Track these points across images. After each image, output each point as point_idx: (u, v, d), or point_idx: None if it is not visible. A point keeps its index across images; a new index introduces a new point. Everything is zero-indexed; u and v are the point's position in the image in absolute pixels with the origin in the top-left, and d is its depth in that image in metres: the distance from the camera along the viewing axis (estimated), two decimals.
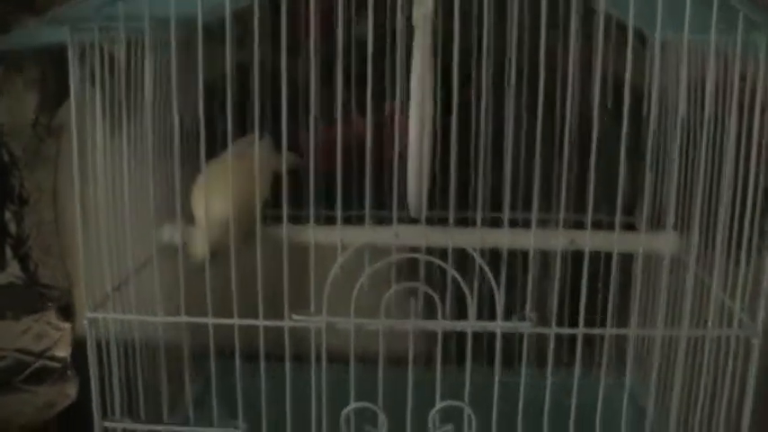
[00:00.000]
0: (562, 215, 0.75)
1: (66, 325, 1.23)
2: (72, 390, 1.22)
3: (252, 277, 0.76)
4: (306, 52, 0.78)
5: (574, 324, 0.75)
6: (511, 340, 0.77)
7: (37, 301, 1.22)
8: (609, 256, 0.77)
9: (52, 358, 1.23)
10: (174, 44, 0.74)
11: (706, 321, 0.77)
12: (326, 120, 0.85)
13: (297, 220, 0.81)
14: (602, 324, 0.78)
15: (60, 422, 1.23)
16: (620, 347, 0.86)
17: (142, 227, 0.82)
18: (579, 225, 0.80)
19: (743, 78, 0.75)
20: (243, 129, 0.82)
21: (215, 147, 0.81)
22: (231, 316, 0.76)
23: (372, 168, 0.95)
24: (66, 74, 0.76)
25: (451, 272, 0.71)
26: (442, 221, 0.79)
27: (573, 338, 0.76)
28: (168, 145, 0.91)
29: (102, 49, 0.79)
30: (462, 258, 0.75)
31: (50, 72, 1.17)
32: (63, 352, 1.23)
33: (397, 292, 0.74)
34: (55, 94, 1.18)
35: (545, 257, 0.89)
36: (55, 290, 1.23)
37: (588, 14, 0.84)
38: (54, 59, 1.13)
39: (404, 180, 0.80)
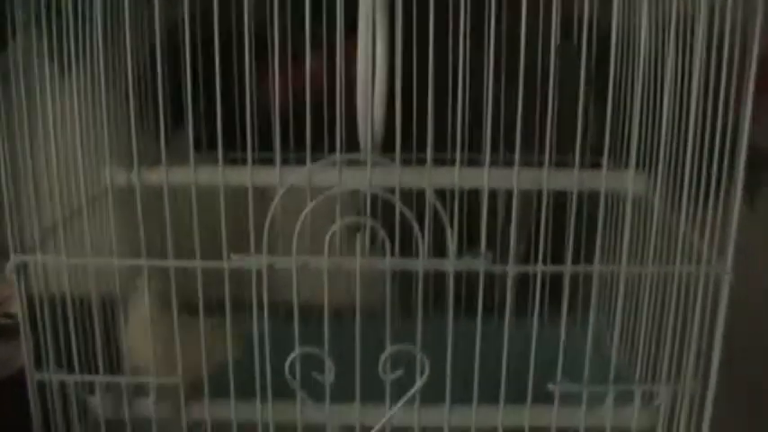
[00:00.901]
0: (518, 153, 0.70)
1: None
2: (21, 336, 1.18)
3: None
4: None
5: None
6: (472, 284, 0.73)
7: None
8: (578, 196, 0.73)
9: (5, 315, 1.18)
10: None
11: (674, 259, 0.73)
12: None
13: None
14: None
15: (19, 381, 1.19)
16: (585, 292, 0.82)
17: (83, 169, 0.78)
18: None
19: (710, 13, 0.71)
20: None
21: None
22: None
23: (325, 106, 0.92)
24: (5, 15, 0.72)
25: (399, 206, 0.66)
26: (406, 163, 0.75)
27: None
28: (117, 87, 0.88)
29: None
30: (420, 201, 0.71)
31: None
32: (15, 308, 1.18)
33: (347, 234, 0.69)
34: None
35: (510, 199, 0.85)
36: (6, 244, 1.18)
37: None
38: None
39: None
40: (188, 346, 0.74)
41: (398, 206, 0.66)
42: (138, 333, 0.79)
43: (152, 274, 0.74)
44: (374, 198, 0.73)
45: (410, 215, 0.66)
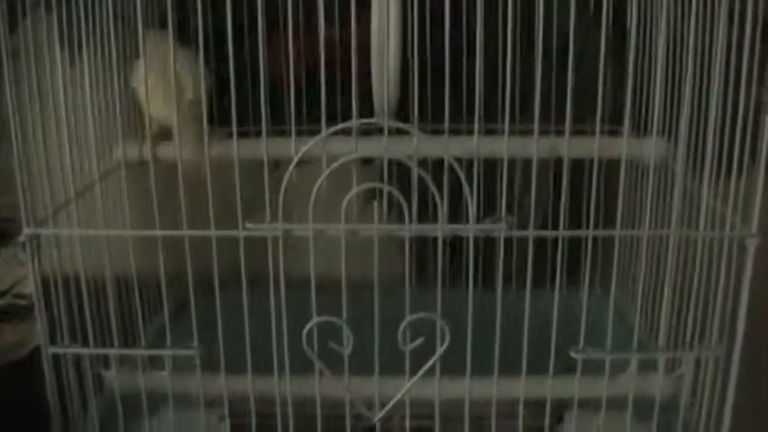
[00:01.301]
0: (537, 121, 0.69)
1: None
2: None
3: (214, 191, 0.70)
4: None
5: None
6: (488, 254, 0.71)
7: None
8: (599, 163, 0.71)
9: (18, 295, 1.18)
10: None
11: (696, 225, 0.72)
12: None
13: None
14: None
15: (34, 360, 1.19)
16: (605, 260, 0.80)
17: (95, 144, 0.77)
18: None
19: None
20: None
21: None
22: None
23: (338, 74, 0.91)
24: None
25: (418, 171, 0.65)
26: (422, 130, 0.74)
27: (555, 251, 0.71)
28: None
29: None
30: (436, 171, 0.69)
31: None
32: (29, 288, 1.17)
33: (364, 204, 0.68)
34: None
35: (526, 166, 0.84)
36: (18, 224, 1.17)
37: None
38: None
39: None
40: None
41: (416, 170, 0.65)
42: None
43: None
44: (390, 167, 0.72)
45: (428, 179, 0.65)
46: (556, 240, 0.71)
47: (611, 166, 0.78)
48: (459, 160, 0.71)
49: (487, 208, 0.73)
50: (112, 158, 0.87)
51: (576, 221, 0.76)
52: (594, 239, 0.74)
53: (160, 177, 0.74)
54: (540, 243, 0.75)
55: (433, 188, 0.65)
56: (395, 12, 0.75)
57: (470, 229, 0.67)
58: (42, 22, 0.74)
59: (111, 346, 0.77)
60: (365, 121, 0.67)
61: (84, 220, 0.77)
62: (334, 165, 0.65)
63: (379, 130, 0.69)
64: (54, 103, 0.73)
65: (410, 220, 0.67)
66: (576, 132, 0.92)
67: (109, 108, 0.84)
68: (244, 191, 0.70)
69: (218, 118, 0.87)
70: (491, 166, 0.75)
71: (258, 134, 0.72)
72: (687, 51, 0.71)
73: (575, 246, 0.81)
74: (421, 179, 0.65)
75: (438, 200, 0.65)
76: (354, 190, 0.65)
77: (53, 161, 0.75)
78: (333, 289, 0.69)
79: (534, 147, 0.69)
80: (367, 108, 0.77)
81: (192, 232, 0.70)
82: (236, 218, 0.69)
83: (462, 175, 0.66)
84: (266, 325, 0.72)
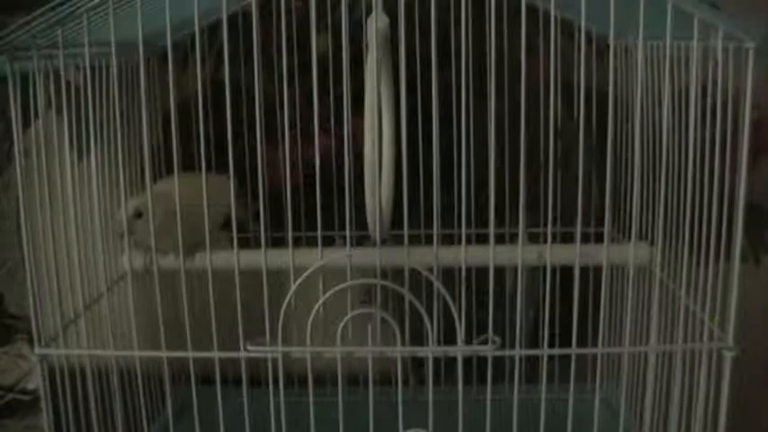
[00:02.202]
0: (522, 229, 0.72)
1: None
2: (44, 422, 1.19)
3: (208, 305, 0.73)
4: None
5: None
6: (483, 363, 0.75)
7: (4, 332, 1.19)
8: (584, 270, 0.74)
9: (23, 391, 1.20)
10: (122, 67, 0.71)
11: (676, 334, 0.75)
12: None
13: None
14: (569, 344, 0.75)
15: None
16: (592, 364, 0.84)
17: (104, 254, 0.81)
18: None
19: (704, 85, 0.74)
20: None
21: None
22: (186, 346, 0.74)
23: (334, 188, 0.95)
24: (27, 101, 0.75)
25: (408, 296, 0.69)
26: (414, 238, 0.77)
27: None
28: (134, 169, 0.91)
29: (57, 76, 0.77)
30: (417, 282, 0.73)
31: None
32: (33, 384, 1.20)
33: (357, 317, 0.72)
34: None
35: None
36: (23, 320, 1.20)
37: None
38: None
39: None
40: None
41: (407, 296, 0.69)
42: None
43: None
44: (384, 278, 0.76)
45: (418, 305, 0.68)
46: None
47: (598, 271, 0.81)
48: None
49: (482, 315, 0.76)
50: (118, 268, 0.90)
51: (567, 322, 0.79)
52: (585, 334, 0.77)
53: (165, 287, 0.77)
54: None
55: (423, 313, 0.68)
56: (388, 133, 0.79)
57: (459, 351, 0.71)
58: (52, 123, 0.78)
59: None
60: (359, 251, 0.71)
61: (92, 329, 0.80)
62: (330, 292, 0.69)
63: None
64: (63, 204, 0.76)
65: (402, 342, 0.71)
66: (565, 235, 0.96)
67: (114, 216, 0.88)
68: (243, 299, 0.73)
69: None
70: (484, 272, 0.77)
71: (257, 241, 0.76)
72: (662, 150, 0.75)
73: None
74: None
75: (427, 323, 0.69)
76: (349, 315, 0.69)
77: (61, 270, 0.78)
78: (331, 382, 0.72)
79: (519, 256, 0.72)
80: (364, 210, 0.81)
81: (196, 354, 0.73)
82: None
83: (450, 300, 0.69)
84: (267, 428, 0.75)
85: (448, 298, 0.68)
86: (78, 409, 0.80)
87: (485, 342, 0.70)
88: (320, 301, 0.69)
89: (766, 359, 1.20)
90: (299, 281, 0.70)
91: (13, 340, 1.19)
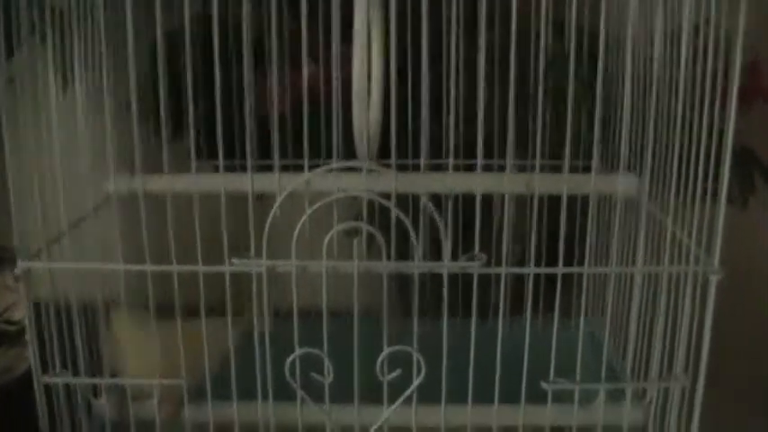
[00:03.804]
0: (509, 159, 0.72)
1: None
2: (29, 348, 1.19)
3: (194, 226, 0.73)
4: None
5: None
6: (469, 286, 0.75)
7: None
8: (571, 198, 0.75)
9: (8, 321, 1.20)
10: None
11: (663, 259, 0.75)
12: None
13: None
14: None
15: (22, 386, 1.21)
16: (580, 293, 0.84)
17: (87, 178, 0.81)
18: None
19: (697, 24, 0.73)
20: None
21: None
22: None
23: (323, 112, 0.94)
24: (10, 28, 0.73)
25: (395, 211, 0.68)
26: (402, 168, 0.77)
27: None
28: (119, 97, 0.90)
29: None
30: (417, 205, 0.73)
31: None
32: (20, 315, 1.20)
33: (346, 238, 0.71)
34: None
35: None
36: (9, 250, 1.19)
37: None
38: None
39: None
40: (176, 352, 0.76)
41: (394, 211, 0.68)
42: (128, 346, 0.81)
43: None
44: (371, 203, 0.75)
45: (406, 220, 0.68)
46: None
47: (586, 200, 0.81)
48: (438, 196, 0.74)
49: (468, 241, 0.76)
50: (103, 191, 0.89)
51: (553, 253, 0.79)
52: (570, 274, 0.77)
53: (150, 210, 0.77)
54: (519, 275, 0.78)
55: (409, 227, 0.68)
56: (377, 53, 0.78)
57: (446, 267, 0.70)
58: (37, 52, 0.77)
59: (101, 375, 0.79)
60: (345, 164, 0.70)
61: (76, 252, 0.79)
62: (316, 206, 0.68)
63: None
64: (47, 131, 0.75)
65: (388, 258, 0.70)
66: (554, 168, 0.96)
67: (100, 140, 0.87)
68: (230, 224, 0.73)
69: (207, 151, 0.91)
70: (471, 200, 0.77)
71: (245, 168, 0.76)
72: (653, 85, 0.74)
73: (550, 278, 0.84)
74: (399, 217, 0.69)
75: (414, 238, 0.69)
76: (335, 229, 0.69)
77: (46, 192, 0.78)
78: (318, 320, 0.72)
79: (505, 184, 0.72)
80: (352, 140, 0.80)
81: (180, 267, 0.73)
82: (223, 252, 0.72)
83: (437, 215, 0.69)
84: (252, 355, 0.75)
85: (435, 214, 0.67)
86: (63, 339, 0.80)
87: (471, 259, 0.70)
88: (306, 215, 0.68)
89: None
90: (283, 195, 0.69)
91: None
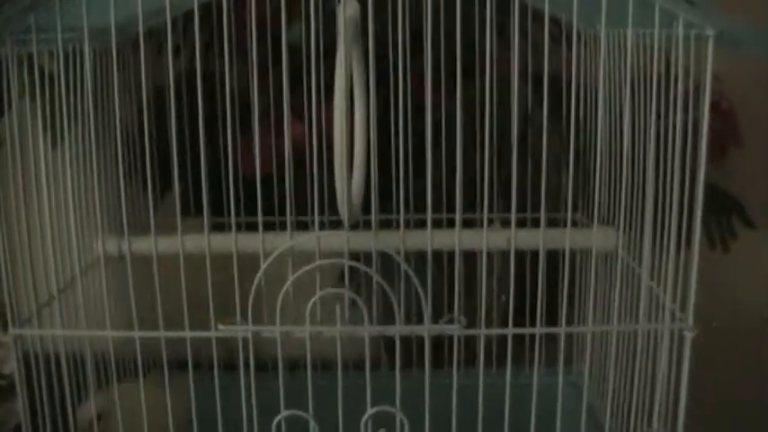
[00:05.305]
0: (486, 213, 0.74)
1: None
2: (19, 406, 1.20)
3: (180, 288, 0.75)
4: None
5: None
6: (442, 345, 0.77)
7: None
8: (552, 253, 0.76)
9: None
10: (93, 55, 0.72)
11: (637, 315, 0.77)
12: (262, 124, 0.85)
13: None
14: (534, 324, 0.77)
15: None
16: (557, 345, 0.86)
17: (78, 239, 0.82)
18: (519, 223, 0.79)
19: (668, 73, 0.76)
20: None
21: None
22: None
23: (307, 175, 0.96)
24: (1, 88, 0.76)
25: (376, 277, 0.70)
26: (386, 224, 0.79)
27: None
28: (108, 157, 0.92)
29: (31, 62, 0.78)
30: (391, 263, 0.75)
31: None
32: (9, 369, 1.21)
33: (327, 298, 0.73)
34: None
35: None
36: None
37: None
38: None
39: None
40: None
41: (375, 277, 0.70)
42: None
43: None
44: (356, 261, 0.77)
45: (385, 285, 0.70)
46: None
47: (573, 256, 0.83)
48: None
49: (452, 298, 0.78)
50: (93, 253, 0.91)
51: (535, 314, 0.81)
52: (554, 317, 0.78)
53: (139, 272, 0.79)
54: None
55: (389, 292, 0.70)
56: (360, 118, 0.80)
57: (426, 329, 0.72)
58: (26, 112, 0.79)
59: None
60: (327, 233, 0.72)
61: (67, 314, 0.81)
62: (300, 272, 0.71)
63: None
64: (37, 192, 0.77)
65: (370, 321, 0.72)
66: (536, 221, 0.98)
67: (89, 199, 0.89)
68: (220, 283, 0.74)
69: (194, 208, 0.93)
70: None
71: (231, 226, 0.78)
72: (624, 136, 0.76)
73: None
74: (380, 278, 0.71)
75: (395, 303, 0.71)
76: (318, 295, 0.71)
77: (35, 254, 0.79)
78: (303, 368, 0.74)
79: (484, 241, 0.74)
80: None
81: (168, 334, 0.74)
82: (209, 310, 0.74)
83: (416, 279, 0.71)
84: (239, 412, 0.76)
85: (413, 276, 0.69)
86: (53, 394, 0.81)
87: (451, 321, 0.72)
88: (290, 280, 0.70)
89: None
90: (269, 260, 0.71)
91: None
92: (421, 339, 0.75)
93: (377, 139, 0.76)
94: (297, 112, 1.02)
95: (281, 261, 0.74)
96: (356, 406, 0.74)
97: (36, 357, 0.81)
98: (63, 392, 0.82)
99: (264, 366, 0.79)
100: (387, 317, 0.75)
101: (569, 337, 0.78)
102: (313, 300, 0.71)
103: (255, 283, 0.71)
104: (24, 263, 0.78)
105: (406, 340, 0.74)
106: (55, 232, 0.80)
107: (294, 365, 0.78)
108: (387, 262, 0.75)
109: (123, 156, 0.93)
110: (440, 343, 0.79)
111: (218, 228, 0.85)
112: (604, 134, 0.92)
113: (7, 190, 0.77)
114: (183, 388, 0.77)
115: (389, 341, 0.92)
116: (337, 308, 0.71)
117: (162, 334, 0.74)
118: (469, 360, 0.79)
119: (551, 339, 0.80)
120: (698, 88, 0.73)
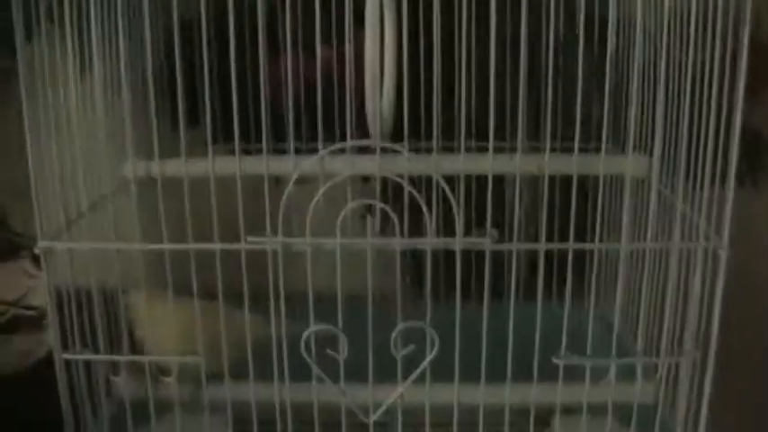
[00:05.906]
0: (520, 139, 0.73)
1: (41, 272, 1.21)
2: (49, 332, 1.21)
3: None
4: None
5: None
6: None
7: (8, 249, 1.20)
8: (582, 181, 0.75)
9: (27, 307, 1.21)
10: None
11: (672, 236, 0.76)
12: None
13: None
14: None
15: (41, 371, 1.22)
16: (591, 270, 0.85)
17: (104, 162, 0.82)
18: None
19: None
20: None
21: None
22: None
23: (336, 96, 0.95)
24: (29, 13, 0.75)
25: (408, 188, 0.69)
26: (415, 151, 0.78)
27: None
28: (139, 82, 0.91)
29: None
30: (429, 187, 0.74)
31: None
32: (38, 300, 1.21)
33: (360, 220, 0.72)
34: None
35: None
36: (27, 237, 1.21)
37: None
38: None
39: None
40: (206, 332, 0.78)
41: (407, 188, 0.69)
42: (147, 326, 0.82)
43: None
44: (384, 185, 0.76)
45: (418, 197, 0.69)
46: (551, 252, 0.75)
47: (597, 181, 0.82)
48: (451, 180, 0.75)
49: (481, 223, 0.77)
50: (120, 175, 0.91)
51: (566, 233, 0.80)
52: (582, 253, 0.78)
53: (168, 193, 0.78)
54: (534, 255, 0.78)
55: (422, 204, 0.69)
56: (390, 36, 0.79)
57: (458, 242, 0.71)
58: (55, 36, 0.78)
59: (120, 353, 0.81)
60: (357, 143, 0.71)
61: (95, 236, 0.81)
62: (329, 184, 0.70)
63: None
64: (66, 114, 0.77)
65: (401, 234, 0.71)
66: (565, 150, 0.97)
67: (117, 125, 0.88)
68: (247, 208, 0.74)
69: (222, 136, 0.92)
70: (484, 181, 0.78)
71: (260, 152, 0.77)
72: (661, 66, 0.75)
73: (563, 257, 0.85)
74: (413, 196, 0.70)
75: (427, 215, 0.70)
76: (349, 206, 0.70)
77: (65, 175, 0.80)
78: (332, 302, 0.74)
79: (517, 165, 0.73)
80: (365, 126, 0.81)
81: (196, 246, 0.74)
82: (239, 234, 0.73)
83: (449, 192, 0.70)
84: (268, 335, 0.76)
85: (447, 190, 0.68)
86: (83, 319, 0.81)
87: (483, 236, 0.71)
88: (319, 193, 0.69)
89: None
90: (296, 173, 0.70)
91: (18, 257, 1.20)
92: (449, 265, 0.74)
93: (408, 61, 0.75)
94: (324, 37, 1.02)
95: (310, 188, 0.73)
96: (385, 327, 0.74)
97: (66, 286, 0.81)
98: (92, 316, 0.82)
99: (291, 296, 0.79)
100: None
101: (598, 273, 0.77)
102: (344, 211, 0.70)
103: (285, 194, 0.71)
104: (54, 181, 0.78)
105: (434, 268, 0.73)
106: (83, 153, 0.80)
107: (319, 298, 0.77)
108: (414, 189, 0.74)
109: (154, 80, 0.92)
110: (467, 269, 0.78)
111: (246, 154, 0.84)
112: (640, 64, 0.90)
113: (38, 113, 0.77)
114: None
115: (415, 272, 0.92)
116: (368, 219, 0.70)
117: (191, 246, 0.74)
118: (497, 292, 0.78)
119: (579, 271, 0.80)
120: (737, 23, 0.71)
